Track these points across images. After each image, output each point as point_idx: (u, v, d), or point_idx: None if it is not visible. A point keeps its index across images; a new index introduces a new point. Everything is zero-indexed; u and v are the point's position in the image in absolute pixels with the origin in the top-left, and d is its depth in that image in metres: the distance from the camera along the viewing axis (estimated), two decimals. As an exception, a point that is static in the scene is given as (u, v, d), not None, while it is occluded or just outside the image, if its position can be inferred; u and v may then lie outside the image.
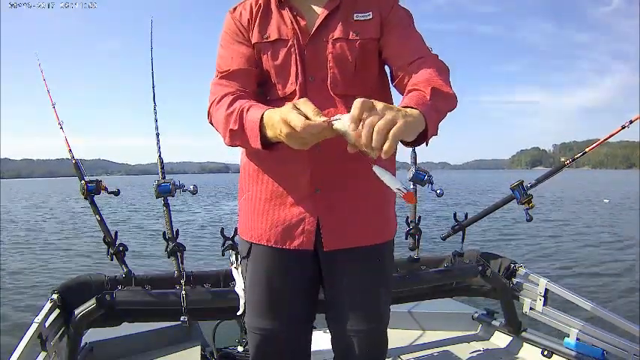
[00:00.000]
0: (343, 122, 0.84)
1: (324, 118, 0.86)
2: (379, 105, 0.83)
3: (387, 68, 1.23)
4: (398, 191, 0.87)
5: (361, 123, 0.81)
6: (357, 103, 0.82)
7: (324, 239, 1.17)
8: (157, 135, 2.00)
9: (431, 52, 1.16)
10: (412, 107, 0.90)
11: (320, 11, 1.16)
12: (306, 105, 0.89)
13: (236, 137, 1.05)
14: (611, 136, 1.99)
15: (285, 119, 0.88)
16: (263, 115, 0.97)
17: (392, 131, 0.79)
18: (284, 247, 1.19)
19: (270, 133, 0.96)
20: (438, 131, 0.99)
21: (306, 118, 0.87)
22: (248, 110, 1.02)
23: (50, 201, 30.62)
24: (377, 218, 1.23)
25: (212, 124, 1.17)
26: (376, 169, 0.88)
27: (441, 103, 0.99)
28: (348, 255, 1.19)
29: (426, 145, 0.96)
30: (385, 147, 0.79)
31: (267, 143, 0.99)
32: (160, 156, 1.97)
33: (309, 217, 1.17)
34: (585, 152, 2.11)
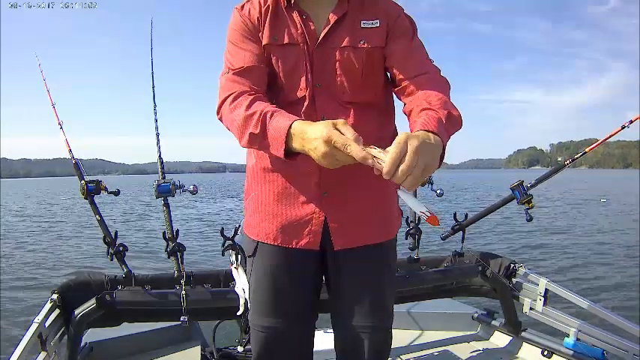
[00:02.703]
0: (382, 161, 0.84)
1: (361, 146, 0.87)
2: (414, 144, 0.82)
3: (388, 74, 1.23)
4: (422, 214, 0.89)
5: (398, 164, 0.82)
6: (394, 154, 0.81)
7: (334, 239, 1.19)
8: (157, 135, 1.99)
9: (433, 65, 1.17)
10: (434, 132, 0.90)
11: (328, 16, 1.15)
12: (346, 128, 0.89)
13: (255, 141, 1.04)
14: (611, 136, 2.00)
15: (328, 139, 0.87)
16: (292, 125, 0.96)
17: (422, 175, 0.84)
18: (291, 246, 1.20)
19: (296, 145, 0.95)
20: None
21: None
22: (272, 116, 1.00)
23: (54, 200, 30.61)
24: (382, 217, 1.24)
25: (221, 120, 1.15)
26: (401, 194, 0.91)
27: (452, 127, 1.01)
28: (354, 254, 1.20)
29: (438, 166, 0.96)
30: (412, 188, 0.87)
31: (287, 153, 0.98)
32: (160, 156, 1.97)
33: (316, 217, 1.18)
34: (585, 152, 2.11)
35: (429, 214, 0.88)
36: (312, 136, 0.90)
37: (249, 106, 1.05)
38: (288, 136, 0.96)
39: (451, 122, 1.00)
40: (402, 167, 0.81)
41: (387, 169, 0.82)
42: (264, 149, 1.05)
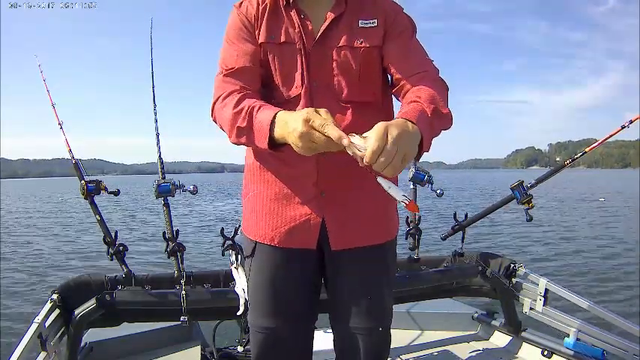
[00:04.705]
0: (359, 147, 0.86)
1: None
2: (393, 133, 0.85)
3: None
4: (402, 201, 0.90)
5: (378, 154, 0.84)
6: (374, 145, 0.83)
7: (331, 239, 1.19)
8: (157, 135, 1.99)
9: (432, 65, 1.17)
10: (412, 121, 0.92)
11: (326, 15, 1.15)
12: (327, 115, 0.90)
13: (242, 134, 1.06)
14: (611, 136, 1.99)
15: (307, 118, 0.89)
16: (275, 115, 0.98)
17: (402, 164, 0.86)
18: (288, 246, 1.20)
19: (278, 134, 0.97)
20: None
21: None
22: (259, 109, 1.03)
23: (55, 200, 30.60)
24: (381, 218, 1.24)
25: (215, 121, 1.17)
26: (380, 181, 0.91)
27: (438, 122, 1.02)
28: (353, 254, 1.20)
29: (417, 160, 0.99)
30: (392, 176, 0.88)
31: (273, 145, 1.00)
32: (160, 156, 1.97)
33: (313, 217, 1.18)
34: (585, 152, 2.11)
35: (408, 201, 0.89)
36: (292, 119, 0.92)
37: (237, 103, 1.07)
38: (272, 126, 0.97)
39: (437, 116, 1.01)
40: (382, 158, 0.83)
41: (368, 158, 0.84)
42: (251, 143, 1.06)
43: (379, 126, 0.85)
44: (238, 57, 1.16)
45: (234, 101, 1.08)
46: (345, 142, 0.86)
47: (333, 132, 0.86)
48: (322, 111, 0.90)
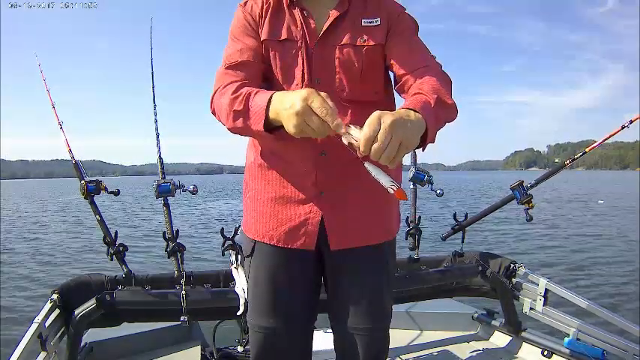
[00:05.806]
0: (355, 137, 0.86)
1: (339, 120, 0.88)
2: (387, 120, 0.84)
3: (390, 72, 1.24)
4: (389, 188, 0.89)
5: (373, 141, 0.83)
6: (366, 132, 0.83)
7: (330, 239, 1.19)
8: (157, 135, 1.99)
9: (435, 61, 1.17)
10: (415, 110, 0.92)
11: (329, 14, 1.16)
12: (328, 99, 0.90)
13: (238, 117, 1.05)
14: (611, 136, 2.00)
15: (306, 97, 0.88)
16: (272, 95, 0.97)
17: (399, 152, 0.85)
18: (287, 246, 1.20)
19: (272, 112, 0.96)
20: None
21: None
22: (256, 94, 1.03)
23: (55, 200, 30.59)
24: (380, 218, 1.24)
25: (214, 113, 1.17)
26: (368, 166, 0.90)
27: (442, 112, 1.02)
28: (352, 254, 1.20)
29: (423, 150, 0.98)
30: (392, 165, 0.86)
31: (268, 129, 1.00)
32: (160, 156, 1.97)
33: (312, 217, 1.18)
34: (585, 152, 2.11)
35: (396, 188, 0.88)
36: (290, 96, 0.91)
37: (236, 90, 1.07)
38: (269, 107, 0.97)
39: (441, 107, 1.01)
40: (375, 145, 0.83)
41: (362, 146, 0.83)
42: (247, 129, 1.05)
43: (372, 114, 0.85)
44: (242, 52, 1.16)
45: (233, 88, 1.08)
46: (341, 131, 0.86)
47: (332, 118, 0.87)
48: (323, 94, 0.90)
